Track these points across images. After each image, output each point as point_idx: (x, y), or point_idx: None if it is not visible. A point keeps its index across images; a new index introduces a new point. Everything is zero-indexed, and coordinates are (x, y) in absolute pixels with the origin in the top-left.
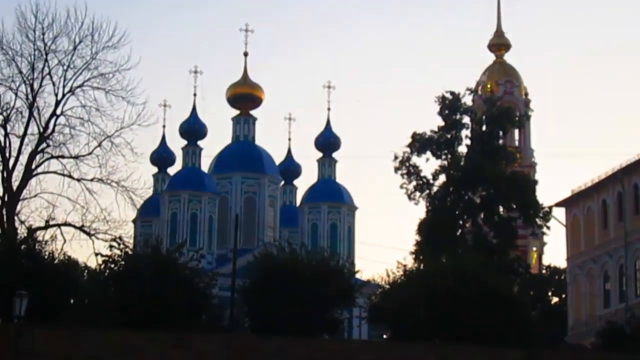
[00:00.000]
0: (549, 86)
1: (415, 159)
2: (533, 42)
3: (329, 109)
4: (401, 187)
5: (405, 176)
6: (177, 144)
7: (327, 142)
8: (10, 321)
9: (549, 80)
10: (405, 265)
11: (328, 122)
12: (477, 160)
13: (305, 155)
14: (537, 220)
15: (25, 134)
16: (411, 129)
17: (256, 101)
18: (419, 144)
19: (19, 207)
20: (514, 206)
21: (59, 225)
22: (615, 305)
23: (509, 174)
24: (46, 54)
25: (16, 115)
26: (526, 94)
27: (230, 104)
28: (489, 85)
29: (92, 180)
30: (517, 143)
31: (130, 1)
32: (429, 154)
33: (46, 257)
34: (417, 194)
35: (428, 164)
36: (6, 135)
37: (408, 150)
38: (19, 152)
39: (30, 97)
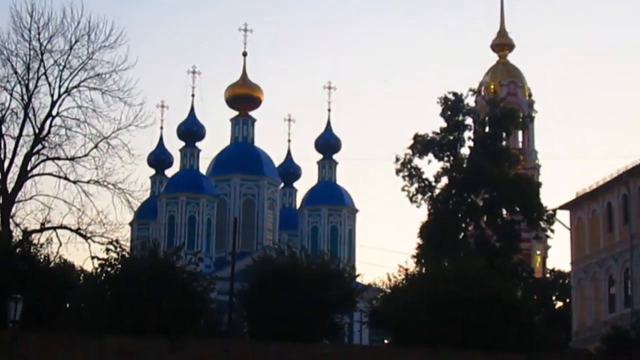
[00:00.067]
0: (553, 87)
1: (417, 161)
2: (537, 42)
3: (329, 110)
4: (403, 189)
5: (406, 178)
6: (174, 146)
7: (328, 144)
8: (5, 326)
9: (553, 80)
10: (406, 269)
11: (328, 123)
12: (480, 162)
13: (305, 157)
14: (541, 223)
15: (20, 135)
16: (413, 130)
17: (255, 102)
18: (421, 145)
19: (14, 210)
20: (518, 209)
21: (54, 228)
22: (620, 310)
23: (512, 176)
24: (42, 54)
25: (11, 116)
26: (530, 95)
27: (229, 104)
28: (492, 86)
29: (88, 182)
30: (520, 145)
31: (127, 0)
32: (431, 155)
33: (41, 260)
34: (419, 196)
35: (430, 166)
36: (1, 136)
37: (410, 152)
38: (14, 154)
39: (25, 97)
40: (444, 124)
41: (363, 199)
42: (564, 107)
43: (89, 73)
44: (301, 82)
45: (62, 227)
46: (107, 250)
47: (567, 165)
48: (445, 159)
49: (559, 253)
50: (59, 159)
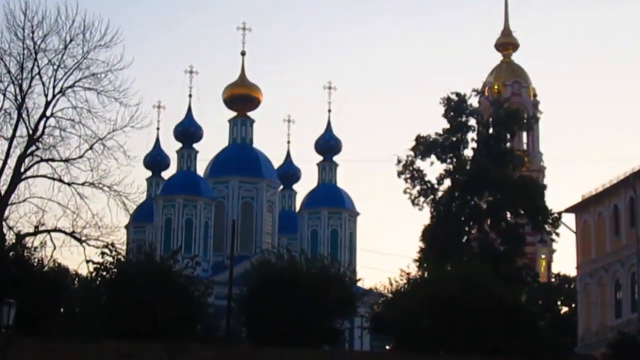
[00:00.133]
0: (558, 87)
1: (419, 163)
2: (542, 41)
3: (329, 111)
4: (404, 192)
5: (408, 181)
6: (171, 147)
7: (328, 145)
8: None
9: (558, 80)
10: (408, 273)
11: (328, 124)
12: (484, 164)
13: (305, 158)
14: (546, 226)
15: (13, 136)
16: (415, 131)
17: (254, 102)
18: (423, 147)
19: (7, 212)
20: (522, 212)
21: (48, 231)
22: (627, 315)
23: (516, 178)
24: (36, 53)
25: (4, 116)
26: (535, 95)
27: (227, 105)
28: (496, 86)
29: (83, 184)
30: (525, 146)
31: None
32: (433, 157)
33: (35, 264)
34: (421, 199)
35: (432, 168)
36: None
37: (412, 153)
38: (7, 155)
39: (19, 97)
40: (447, 125)
41: (364, 202)
42: (570, 107)
43: (84, 73)
44: (301, 82)
45: (56, 230)
46: (103, 254)
47: (572, 167)
48: (448, 160)
49: (564, 257)
50: (53, 160)
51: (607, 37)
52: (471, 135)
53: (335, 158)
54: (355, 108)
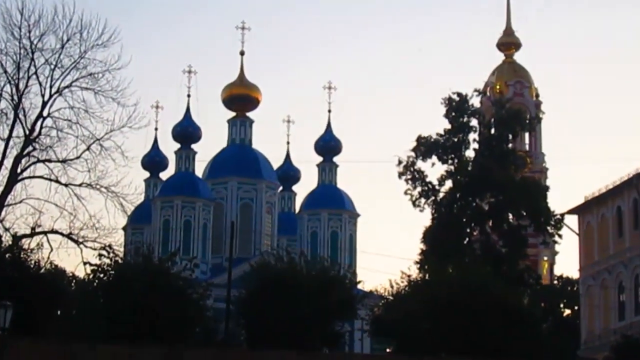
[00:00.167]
0: (561, 87)
1: (420, 164)
2: (544, 41)
3: (329, 111)
4: (405, 193)
5: (409, 182)
6: (169, 148)
7: (328, 146)
8: None
9: (561, 80)
10: (409, 276)
11: (328, 125)
12: (485, 165)
13: (305, 159)
14: (549, 228)
15: (10, 136)
16: (416, 132)
17: (253, 102)
18: (424, 147)
19: (3, 214)
20: (524, 213)
21: (45, 233)
22: (630, 318)
23: (518, 179)
24: (32, 53)
25: (0, 117)
26: (537, 96)
27: (225, 105)
28: (498, 86)
29: (80, 185)
30: (527, 147)
31: None
32: (434, 158)
33: (32, 266)
34: (422, 200)
35: (434, 169)
36: None
37: (413, 154)
38: (4, 156)
39: (15, 97)
40: (448, 126)
41: (364, 203)
42: (572, 107)
43: (81, 72)
44: (300, 82)
45: (53, 231)
46: (100, 255)
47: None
48: (450, 161)
49: (567, 259)
50: (50, 161)
51: (610, 37)
52: (473, 135)
53: (336, 159)
54: (355, 108)
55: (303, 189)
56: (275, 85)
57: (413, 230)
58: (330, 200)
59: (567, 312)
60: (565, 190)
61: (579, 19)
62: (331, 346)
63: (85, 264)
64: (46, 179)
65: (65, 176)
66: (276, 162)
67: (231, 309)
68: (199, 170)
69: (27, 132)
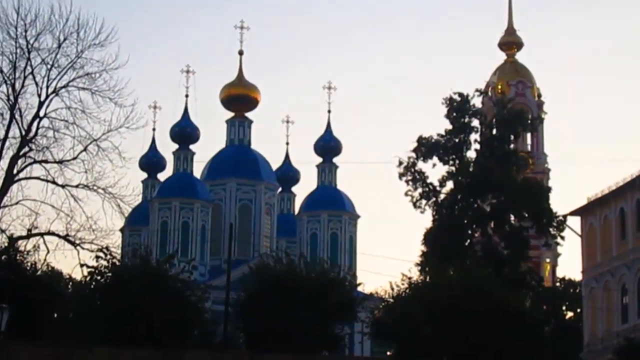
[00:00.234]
0: (564, 87)
1: (421, 165)
2: (546, 40)
3: (329, 111)
4: (406, 194)
5: (410, 183)
6: (167, 148)
7: (327, 147)
8: None
9: (563, 80)
10: (410, 278)
11: (328, 125)
12: (487, 166)
13: (304, 160)
14: (551, 230)
15: (6, 137)
16: (417, 132)
17: (252, 103)
18: (425, 148)
19: None
20: (526, 215)
21: (41, 235)
22: (633, 321)
23: (520, 180)
24: (29, 52)
25: None
26: (539, 96)
27: (224, 105)
28: (499, 86)
29: (77, 186)
30: (529, 148)
31: None
32: (435, 159)
33: (28, 268)
34: (423, 201)
35: (435, 169)
36: None
37: (413, 155)
38: (0, 157)
39: (11, 98)
40: (449, 126)
41: (364, 204)
42: (575, 108)
43: (78, 72)
44: (300, 82)
45: (49, 233)
46: (97, 257)
47: (578, 168)
48: (451, 162)
49: (569, 261)
50: (46, 162)
51: (613, 36)
52: (474, 136)
53: (335, 159)
54: (355, 108)
55: (302, 190)
56: (274, 85)
57: (414, 231)
58: (330, 201)
59: (570, 314)
60: (568, 192)
61: (581, 18)
62: (331, 349)
63: (82, 266)
64: (43, 180)
65: (62, 177)
66: (275, 163)
67: (230, 312)
68: (197, 171)
69: (24, 132)
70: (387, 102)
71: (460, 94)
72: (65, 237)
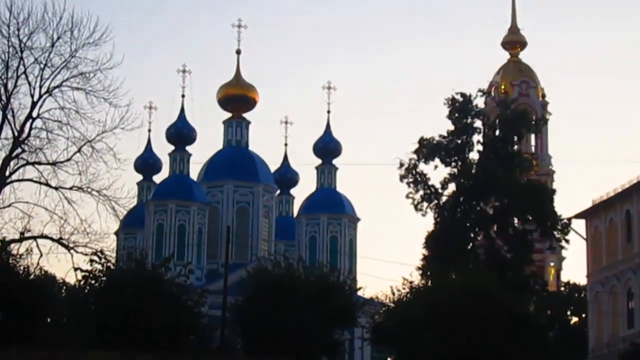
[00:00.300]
0: (568, 87)
1: (422, 167)
2: (551, 39)
3: (328, 112)
4: (407, 196)
5: (411, 185)
6: (163, 150)
7: (327, 148)
8: None
9: (568, 80)
10: (411, 282)
11: (328, 126)
12: (490, 168)
13: (303, 161)
14: (555, 233)
15: None
16: (418, 133)
17: (250, 103)
18: (427, 150)
19: None
20: (530, 218)
21: (34, 238)
22: (639, 326)
23: (524, 182)
24: (21, 52)
25: None
26: (543, 96)
27: (221, 106)
28: (502, 86)
29: (71, 188)
30: (533, 149)
31: None
32: (437, 160)
33: (21, 272)
34: (425, 204)
35: (436, 171)
36: None
37: (415, 156)
38: None
39: (4, 98)
40: (452, 127)
41: (365, 207)
42: (580, 108)
43: (72, 72)
44: (299, 82)
45: (42, 236)
46: (91, 261)
47: (583, 170)
48: (453, 164)
49: (574, 265)
50: (39, 163)
51: (619, 35)
52: (477, 137)
53: (335, 161)
54: (355, 109)
55: (301, 192)
56: (272, 85)
57: (415, 235)
58: (330, 204)
59: (575, 319)
60: (573, 194)
61: (586, 17)
62: (330, 355)
63: (76, 270)
64: (36, 182)
65: (56, 179)
66: (273, 165)
67: (227, 317)
68: (194, 173)
69: (16, 133)
70: (388, 103)
71: (463, 94)
72: (59, 241)
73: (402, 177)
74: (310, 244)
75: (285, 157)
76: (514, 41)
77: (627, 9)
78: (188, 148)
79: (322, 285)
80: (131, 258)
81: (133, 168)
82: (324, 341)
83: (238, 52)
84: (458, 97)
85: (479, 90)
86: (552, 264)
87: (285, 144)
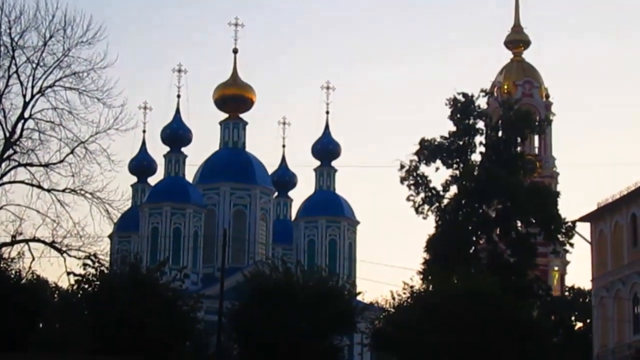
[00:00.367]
0: (573, 87)
1: (423, 168)
2: (555, 39)
3: (327, 113)
4: (408, 199)
5: (412, 187)
6: (158, 151)
7: (326, 149)
8: None
9: (572, 80)
10: (412, 287)
11: (326, 127)
12: (493, 170)
13: (301, 163)
14: (559, 236)
15: None
16: (419, 134)
17: (247, 103)
18: (428, 151)
19: None
20: (534, 221)
21: (26, 241)
22: None
23: (527, 185)
24: (13, 51)
25: None
26: (547, 96)
27: (217, 106)
28: (505, 87)
29: (63, 190)
30: (536, 150)
31: None
32: (438, 162)
33: (13, 276)
34: (426, 207)
35: (438, 173)
36: None
37: (416, 158)
38: None
39: None
40: (453, 128)
41: (364, 210)
42: (584, 109)
43: (65, 71)
44: (297, 82)
45: (35, 239)
46: (85, 265)
47: (587, 172)
48: (455, 166)
49: (578, 269)
50: (31, 165)
51: (624, 34)
52: (479, 138)
53: (334, 163)
54: (354, 109)
55: (299, 194)
56: (270, 85)
57: (416, 238)
58: (328, 206)
59: (579, 325)
60: (577, 197)
61: (590, 15)
62: None
63: (69, 274)
64: (27, 184)
65: (48, 181)
66: (271, 167)
67: (223, 322)
68: (190, 174)
69: (8, 134)
70: (388, 103)
71: (465, 95)
72: (51, 244)
73: (402, 179)
74: (309, 247)
75: (283, 159)
76: (517, 40)
77: (632, 8)
78: (184, 149)
79: (321, 289)
80: (125, 262)
81: (127, 170)
82: (322, 347)
83: (235, 51)
84: (460, 97)
85: (482, 91)
86: (556, 268)
87: (283, 145)
